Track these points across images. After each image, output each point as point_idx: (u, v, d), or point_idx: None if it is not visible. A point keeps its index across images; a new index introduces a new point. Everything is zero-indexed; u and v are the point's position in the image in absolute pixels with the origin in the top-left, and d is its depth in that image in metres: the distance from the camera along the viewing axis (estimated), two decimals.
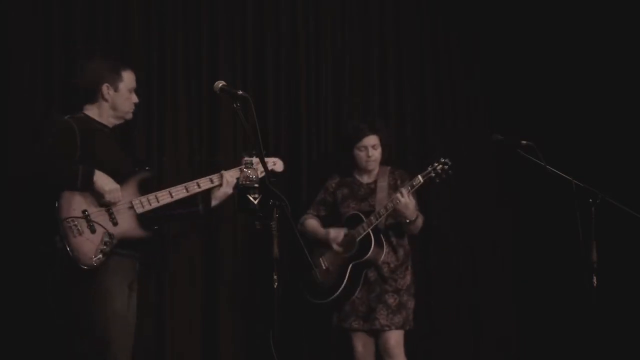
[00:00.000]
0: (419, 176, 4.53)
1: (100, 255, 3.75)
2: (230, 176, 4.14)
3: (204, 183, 4.12)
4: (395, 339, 4.66)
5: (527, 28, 5.94)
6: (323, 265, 4.73)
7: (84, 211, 3.79)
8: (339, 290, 4.62)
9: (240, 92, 3.62)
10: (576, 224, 4.05)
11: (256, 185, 3.53)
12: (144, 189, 3.99)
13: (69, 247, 3.71)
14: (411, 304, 4.72)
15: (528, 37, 5.94)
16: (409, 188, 4.51)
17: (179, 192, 4.04)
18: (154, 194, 3.97)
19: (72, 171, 3.76)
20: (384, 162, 4.81)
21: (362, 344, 4.75)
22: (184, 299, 4.94)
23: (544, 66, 5.94)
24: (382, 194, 4.68)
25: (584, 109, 5.82)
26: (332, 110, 5.45)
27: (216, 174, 4.15)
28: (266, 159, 4.19)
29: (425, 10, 5.83)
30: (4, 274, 4.40)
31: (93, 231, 3.78)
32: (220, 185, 4.13)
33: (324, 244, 4.74)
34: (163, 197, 3.99)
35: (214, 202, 4.18)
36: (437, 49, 5.86)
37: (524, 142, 4.32)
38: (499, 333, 5.86)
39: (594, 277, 4.13)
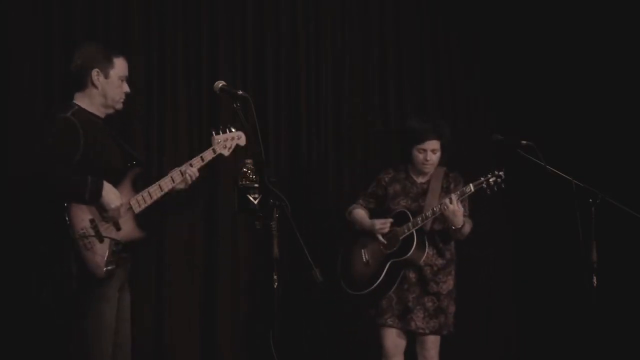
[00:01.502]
0: (471, 185, 4.47)
1: (111, 266, 3.69)
2: (192, 169, 4.02)
3: (178, 175, 4.00)
4: (432, 342, 4.63)
5: (527, 28, 5.95)
6: (364, 258, 4.71)
7: (91, 220, 3.68)
8: (374, 285, 4.59)
9: (240, 92, 3.61)
10: (576, 224, 4.05)
11: (256, 185, 3.52)
12: (137, 185, 3.89)
13: (84, 260, 3.62)
14: (452, 308, 4.69)
15: (528, 37, 5.94)
16: (459, 195, 4.47)
17: (167, 183, 3.93)
18: (146, 190, 3.87)
19: (80, 185, 3.62)
20: (441, 163, 4.74)
21: (393, 342, 4.68)
22: (183, 298, 4.94)
23: (544, 66, 5.94)
24: (433, 195, 4.62)
25: (584, 109, 5.82)
26: (332, 110, 5.46)
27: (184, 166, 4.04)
28: (232, 134, 4.14)
29: (425, 10, 5.84)
30: (3, 274, 4.41)
31: (101, 241, 3.69)
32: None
33: (367, 237, 4.71)
34: (155, 192, 3.89)
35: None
36: (437, 49, 5.86)
37: (524, 142, 4.31)
38: (499, 333, 5.86)
39: (594, 277, 4.13)
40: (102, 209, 3.71)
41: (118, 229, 3.77)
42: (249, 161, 3.64)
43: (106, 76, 3.86)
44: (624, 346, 5.48)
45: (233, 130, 4.15)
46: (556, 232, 5.65)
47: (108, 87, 3.86)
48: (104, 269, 3.67)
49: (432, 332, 4.61)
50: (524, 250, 5.95)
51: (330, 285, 4.70)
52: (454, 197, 4.45)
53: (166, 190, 3.94)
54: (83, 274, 3.63)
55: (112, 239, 3.71)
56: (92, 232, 3.66)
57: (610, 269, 4.46)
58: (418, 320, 4.59)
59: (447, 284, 4.68)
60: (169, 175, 3.97)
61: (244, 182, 3.56)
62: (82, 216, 3.66)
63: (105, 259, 3.68)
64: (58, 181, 3.62)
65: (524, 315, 5.92)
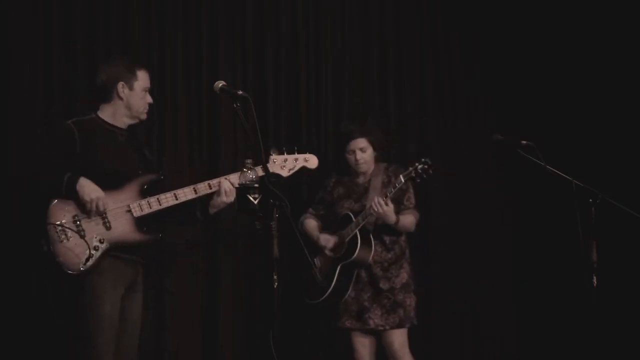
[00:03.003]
0: (401, 176, 4.50)
1: (88, 261, 3.73)
2: (229, 184, 4.00)
3: (204, 188, 4.00)
4: (398, 340, 4.65)
5: (527, 28, 5.94)
6: (316, 265, 4.74)
7: (74, 216, 3.75)
8: (329, 291, 4.63)
9: (240, 92, 3.61)
10: (576, 224, 4.04)
11: (256, 185, 3.52)
12: (148, 192, 3.93)
13: (54, 252, 3.68)
14: (410, 301, 4.68)
15: (528, 37, 5.94)
16: (392, 190, 4.49)
17: (186, 193, 3.96)
18: (155, 196, 3.91)
19: (59, 178, 3.73)
20: (380, 159, 4.78)
21: (361, 344, 4.74)
22: (184, 299, 4.94)
23: (544, 66, 5.94)
24: (374, 193, 4.65)
25: (584, 109, 5.82)
26: (332, 110, 5.45)
27: (216, 179, 4.03)
28: (298, 155, 4.18)
29: (425, 10, 5.83)
30: (4, 273, 4.41)
31: (82, 236, 3.74)
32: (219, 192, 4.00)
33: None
34: (166, 200, 3.93)
35: (212, 210, 4.07)
36: (437, 49, 5.86)
37: (524, 142, 4.31)
38: (499, 333, 5.86)
39: (594, 277, 4.12)
40: (81, 204, 3.77)
41: (108, 227, 3.80)
42: (249, 161, 3.64)
43: (130, 88, 3.97)
44: (624, 346, 5.48)
45: (303, 153, 4.19)
46: (556, 232, 5.65)
47: (132, 99, 3.98)
48: (80, 264, 3.70)
49: (394, 327, 4.62)
50: (524, 250, 5.95)
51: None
52: (381, 200, 4.46)
53: (183, 199, 3.96)
54: (56, 265, 3.68)
55: (96, 236, 3.74)
56: (73, 227, 3.73)
57: (610, 269, 4.45)
58: (376, 318, 4.61)
59: (400, 277, 4.69)
60: (192, 186, 3.99)
61: (244, 182, 3.56)
62: (64, 212, 3.74)
63: (85, 255, 3.72)
64: (41, 177, 3.76)
65: (524, 315, 5.92)
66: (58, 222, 3.70)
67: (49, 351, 4.31)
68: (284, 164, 4.12)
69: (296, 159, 4.18)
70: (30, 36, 4.57)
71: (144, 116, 4.07)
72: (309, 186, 5.26)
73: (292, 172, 4.15)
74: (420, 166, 4.46)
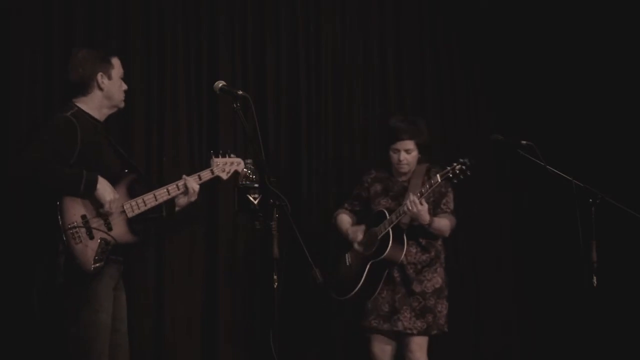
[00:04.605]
0: (437, 175, 4.44)
1: (99, 263, 3.72)
2: (193, 183, 4.05)
3: (173, 190, 4.03)
4: (417, 343, 4.58)
5: (527, 28, 5.95)
6: (347, 262, 4.70)
7: (83, 216, 3.72)
8: (357, 289, 4.56)
9: (240, 92, 3.61)
10: (576, 224, 4.05)
11: (256, 185, 3.52)
12: (132, 191, 3.93)
13: (72, 253, 3.65)
14: (442, 307, 4.62)
15: (528, 37, 5.94)
16: (427, 188, 4.43)
17: (162, 195, 3.97)
18: (141, 197, 3.90)
19: (75, 176, 3.68)
20: (422, 160, 4.72)
21: (380, 350, 4.69)
22: (183, 298, 4.93)
23: (544, 66, 5.95)
24: (413, 193, 4.54)
25: (584, 109, 5.82)
26: (332, 110, 5.45)
27: (182, 181, 4.05)
28: (234, 159, 4.16)
29: (425, 10, 5.83)
30: (4, 274, 4.41)
31: (91, 237, 3.72)
32: (185, 192, 4.04)
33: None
34: (149, 201, 3.93)
35: (177, 208, 4.10)
36: (437, 49, 5.86)
37: (524, 142, 4.31)
38: (499, 333, 5.86)
39: (594, 277, 4.13)
40: (96, 203, 3.74)
41: (109, 228, 3.78)
42: (249, 161, 3.64)
43: (109, 77, 3.94)
44: (624, 346, 5.48)
45: (233, 155, 4.17)
46: (556, 232, 5.65)
47: (113, 88, 3.95)
48: (92, 265, 3.69)
49: (420, 333, 4.56)
50: (524, 250, 5.94)
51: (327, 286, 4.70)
52: (416, 199, 4.40)
53: (161, 201, 3.97)
54: (70, 267, 3.65)
55: (102, 238, 3.73)
56: (82, 227, 3.70)
57: (610, 269, 4.46)
58: (405, 321, 4.54)
59: (433, 281, 4.63)
60: (165, 187, 4.00)
61: (244, 182, 3.57)
62: (74, 211, 3.70)
63: (95, 255, 3.70)
64: (53, 173, 3.66)
65: (524, 315, 5.92)
66: (74, 224, 3.67)
67: (49, 354, 4.29)
68: (223, 168, 4.12)
69: (232, 163, 4.17)
70: (30, 36, 4.57)
71: (122, 104, 4.02)
72: (309, 185, 5.27)
73: (228, 175, 4.15)
74: (458, 166, 4.40)
